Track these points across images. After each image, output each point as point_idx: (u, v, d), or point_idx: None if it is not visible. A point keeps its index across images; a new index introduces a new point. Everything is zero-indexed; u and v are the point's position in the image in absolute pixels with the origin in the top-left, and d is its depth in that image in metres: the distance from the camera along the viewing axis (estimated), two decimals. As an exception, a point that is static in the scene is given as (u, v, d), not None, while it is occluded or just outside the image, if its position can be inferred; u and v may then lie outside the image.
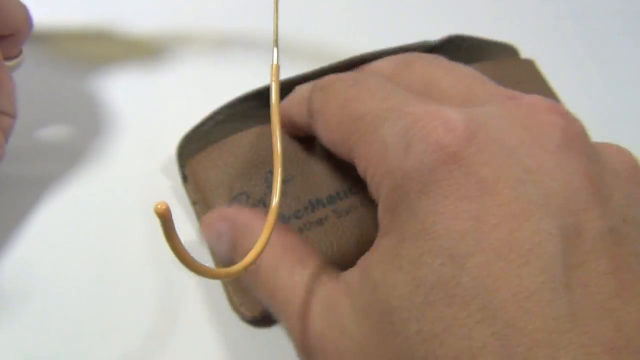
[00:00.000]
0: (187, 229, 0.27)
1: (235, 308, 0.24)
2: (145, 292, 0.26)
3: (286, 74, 0.24)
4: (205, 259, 0.25)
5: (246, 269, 0.18)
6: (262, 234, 0.19)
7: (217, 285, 0.25)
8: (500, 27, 0.35)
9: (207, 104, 0.31)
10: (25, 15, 0.27)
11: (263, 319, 0.24)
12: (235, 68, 0.32)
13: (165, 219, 0.15)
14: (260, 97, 0.26)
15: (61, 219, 0.28)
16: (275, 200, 0.20)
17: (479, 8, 0.36)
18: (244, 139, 0.25)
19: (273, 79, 0.22)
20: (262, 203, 0.24)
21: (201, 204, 0.26)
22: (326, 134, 0.21)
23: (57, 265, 0.26)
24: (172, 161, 0.28)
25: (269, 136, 0.21)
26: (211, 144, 0.26)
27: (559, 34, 0.36)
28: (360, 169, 0.19)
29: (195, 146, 0.26)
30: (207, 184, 0.25)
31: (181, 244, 0.16)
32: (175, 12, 0.34)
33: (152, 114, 0.31)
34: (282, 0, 0.23)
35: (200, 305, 0.26)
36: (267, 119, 0.23)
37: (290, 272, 0.20)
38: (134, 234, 0.27)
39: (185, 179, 0.27)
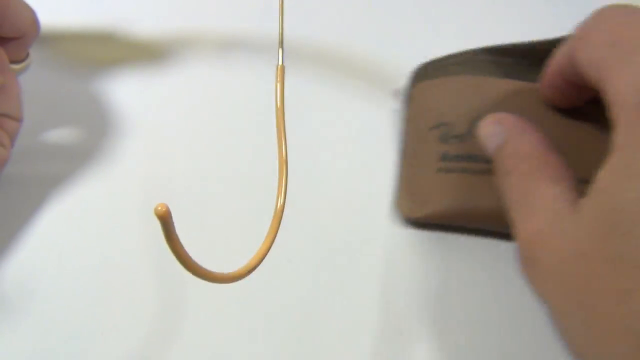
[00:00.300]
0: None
1: (402, 209, 0.27)
2: (152, 290, 0.26)
3: (291, 75, 0.23)
4: (206, 259, 0.25)
5: (247, 275, 0.18)
6: (265, 237, 0.19)
7: (227, 294, 0.25)
8: (501, 27, 0.34)
9: (212, 105, 0.31)
10: (32, 19, 0.27)
11: (421, 224, 0.27)
12: (240, 69, 0.32)
13: (165, 221, 0.15)
14: (498, 54, 0.28)
15: (67, 219, 0.28)
16: (280, 202, 0.19)
17: (479, 8, 0.36)
18: (470, 82, 0.28)
19: (278, 79, 0.22)
20: (458, 139, 0.27)
21: (412, 121, 0.29)
22: (583, 53, 0.22)
23: (64, 265, 0.26)
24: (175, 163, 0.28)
25: (490, 89, 0.25)
26: (442, 76, 0.29)
27: (559, 34, 0.35)
28: (605, 89, 0.20)
29: (429, 73, 0.29)
30: (424, 105, 0.28)
31: (181, 246, 0.15)
32: (181, 14, 0.34)
33: (158, 115, 0.31)
34: (287, 2, 0.23)
35: (210, 310, 0.25)
36: (494, 74, 0.27)
37: (539, 183, 0.21)
38: (139, 235, 0.27)
39: (409, 98, 0.29)
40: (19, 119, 0.27)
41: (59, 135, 0.30)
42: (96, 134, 0.30)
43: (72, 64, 0.32)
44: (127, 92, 0.31)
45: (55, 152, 0.29)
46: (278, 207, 0.19)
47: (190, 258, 0.16)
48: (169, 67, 0.32)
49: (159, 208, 0.15)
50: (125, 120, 0.30)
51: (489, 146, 0.24)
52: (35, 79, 0.30)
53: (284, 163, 0.20)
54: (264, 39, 0.32)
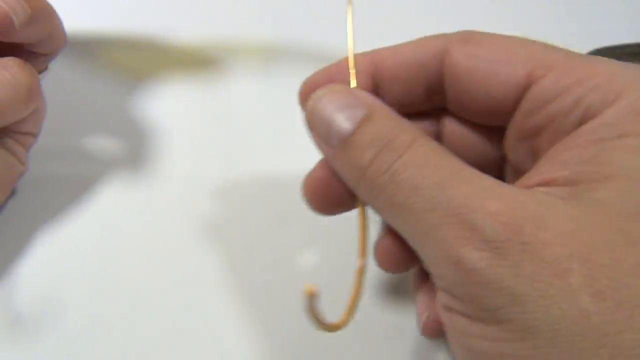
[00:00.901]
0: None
1: None
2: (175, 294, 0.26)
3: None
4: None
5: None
6: (351, 295, 0.20)
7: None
8: (501, 27, 0.35)
9: (254, 116, 0.30)
10: (63, 35, 0.26)
11: None
12: (284, 79, 0.31)
13: (312, 299, 0.17)
14: None
15: (95, 226, 0.28)
16: (360, 260, 0.21)
17: (479, 8, 0.36)
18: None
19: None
20: None
21: None
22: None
23: (86, 275, 0.26)
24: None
25: None
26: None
27: (559, 33, 0.35)
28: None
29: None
30: None
31: (319, 314, 0.18)
32: (224, 22, 0.34)
33: (199, 126, 0.30)
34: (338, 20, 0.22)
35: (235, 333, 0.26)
36: None
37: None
38: (171, 246, 0.27)
39: None
40: (37, 135, 0.27)
41: (81, 141, 0.29)
42: (136, 143, 0.30)
43: (112, 71, 0.31)
44: (169, 100, 0.31)
45: (77, 158, 0.29)
46: (359, 265, 0.20)
47: (322, 319, 0.18)
48: (212, 75, 0.32)
49: (310, 289, 0.17)
50: (165, 129, 0.30)
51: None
52: (60, 86, 0.30)
53: (363, 223, 0.21)
54: (309, 50, 0.32)
